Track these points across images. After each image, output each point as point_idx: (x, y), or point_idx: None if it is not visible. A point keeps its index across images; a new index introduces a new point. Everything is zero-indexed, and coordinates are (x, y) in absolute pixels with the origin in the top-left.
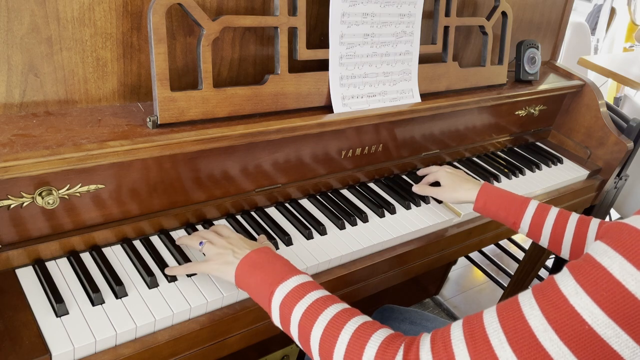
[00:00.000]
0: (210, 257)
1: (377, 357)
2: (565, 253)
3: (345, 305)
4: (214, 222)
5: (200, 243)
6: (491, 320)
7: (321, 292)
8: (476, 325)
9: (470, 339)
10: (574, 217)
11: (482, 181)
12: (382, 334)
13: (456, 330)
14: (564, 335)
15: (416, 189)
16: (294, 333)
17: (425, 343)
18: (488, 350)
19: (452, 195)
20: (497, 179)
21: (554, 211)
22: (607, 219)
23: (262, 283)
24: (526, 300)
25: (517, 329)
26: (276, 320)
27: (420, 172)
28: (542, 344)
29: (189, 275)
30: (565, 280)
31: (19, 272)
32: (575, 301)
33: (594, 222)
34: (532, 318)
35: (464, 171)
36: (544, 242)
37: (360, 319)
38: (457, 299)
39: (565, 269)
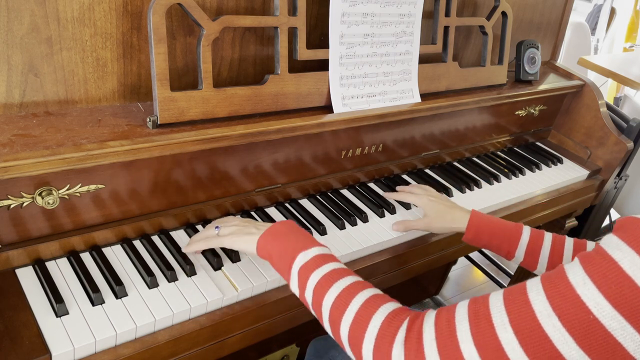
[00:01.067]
0: (230, 232)
1: (382, 327)
2: None
3: (359, 279)
4: None
5: (216, 227)
6: (496, 302)
7: (338, 265)
8: (481, 305)
9: (474, 318)
10: (570, 243)
11: (468, 209)
12: (390, 306)
13: (461, 309)
14: (567, 323)
15: (398, 227)
16: (308, 298)
17: (429, 318)
18: (489, 330)
19: (439, 226)
20: (497, 179)
21: (548, 237)
22: (607, 219)
23: (285, 250)
24: (533, 286)
25: (520, 312)
26: (294, 285)
27: (398, 188)
28: (544, 329)
29: (188, 275)
30: (574, 270)
31: (19, 272)
32: (582, 291)
33: (590, 245)
34: (537, 303)
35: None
36: (541, 270)
37: (371, 291)
38: (457, 299)
39: (576, 259)
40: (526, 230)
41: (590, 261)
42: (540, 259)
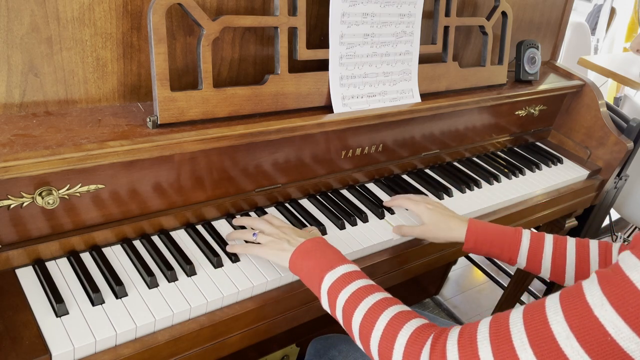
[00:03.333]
0: (266, 243)
1: (407, 344)
2: (569, 281)
3: (387, 295)
4: (214, 222)
5: (254, 234)
6: (516, 321)
7: (366, 281)
8: (502, 324)
9: (495, 338)
10: (572, 243)
11: (465, 218)
12: (415, 323)
13: (483, 327)
14: (585, 344)
15: (395, 231)
16: (339, 317)
17: (453, 335)
18: (510, 351)
19: (437, 235)
20: (497, 179)
21: (549, 240)
22: (607, 219)
23: (313, 269)
24: (552, 304)
25: (539, 332)
26: (324, 304)
27: (394, 197)
28: (564, 350)
29: (188, 275)
30: (592, 290)
31: (19, 272)
32: (600, 312)
33: (593, 244)
34: (555, 323)
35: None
36: (545, 274)
37: (398, 307)
38: (457, 299)
39: (594, 276)
40: (526, 235)
41: (608, 281)
42: (543, 263)
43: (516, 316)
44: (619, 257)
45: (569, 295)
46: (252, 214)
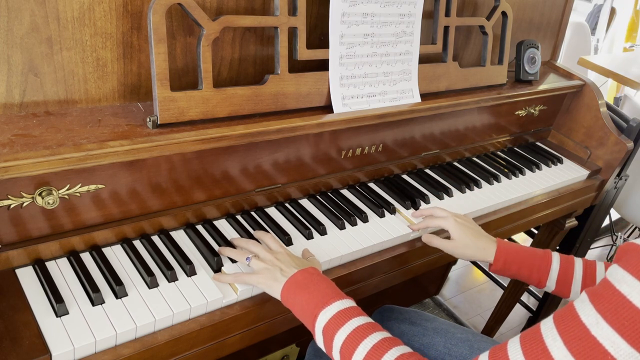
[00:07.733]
0: (258, 270)
1: None
2: None
3: (386, 334)
4: (214, 222)
5: (247, 258)
6: (515, 353)
7: (363, 319)
8: (500, 355)
9: None
10: (601, 267)
11: (492, 237)
12: None
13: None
14: None
15: (425, 239)
16: (336, 357)
17: None
18: None
19: (464, 252)
20: (497, 179)
21: (578, 263)
22: (607, 219)
23: (306, 304)
24: (548, 330)
25: None
26: (320, 342)
27: (421, 212)
28: None
29: (188, 275)
30: (585, 309)
31: (19, 272)
32: (597, 332)
33: None
34: (555, 350)
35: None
36: (575, 297)
37: (400, 349)
38: (457, 299)
39: (584, 295)
40: (555, 258)
41: (599, 298)
42: (573, 287)
43: (514, 348)
44: (607, 272)
45: (564, 318)
46: (252, 213)
